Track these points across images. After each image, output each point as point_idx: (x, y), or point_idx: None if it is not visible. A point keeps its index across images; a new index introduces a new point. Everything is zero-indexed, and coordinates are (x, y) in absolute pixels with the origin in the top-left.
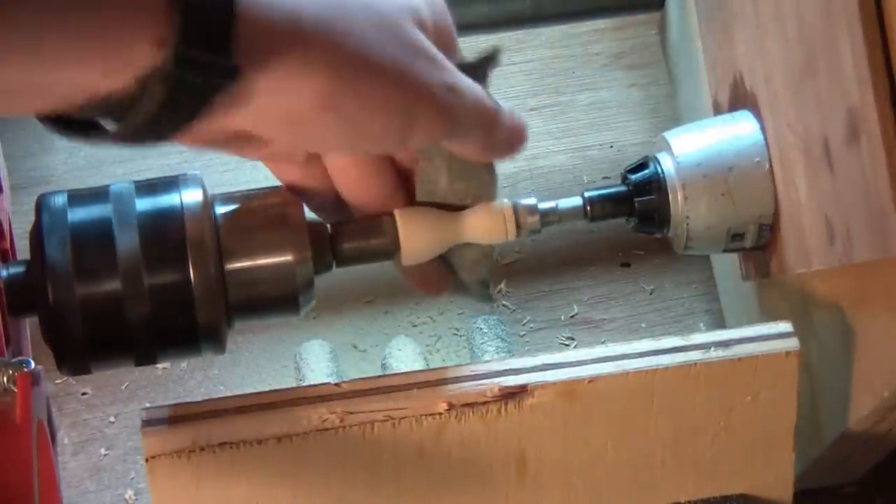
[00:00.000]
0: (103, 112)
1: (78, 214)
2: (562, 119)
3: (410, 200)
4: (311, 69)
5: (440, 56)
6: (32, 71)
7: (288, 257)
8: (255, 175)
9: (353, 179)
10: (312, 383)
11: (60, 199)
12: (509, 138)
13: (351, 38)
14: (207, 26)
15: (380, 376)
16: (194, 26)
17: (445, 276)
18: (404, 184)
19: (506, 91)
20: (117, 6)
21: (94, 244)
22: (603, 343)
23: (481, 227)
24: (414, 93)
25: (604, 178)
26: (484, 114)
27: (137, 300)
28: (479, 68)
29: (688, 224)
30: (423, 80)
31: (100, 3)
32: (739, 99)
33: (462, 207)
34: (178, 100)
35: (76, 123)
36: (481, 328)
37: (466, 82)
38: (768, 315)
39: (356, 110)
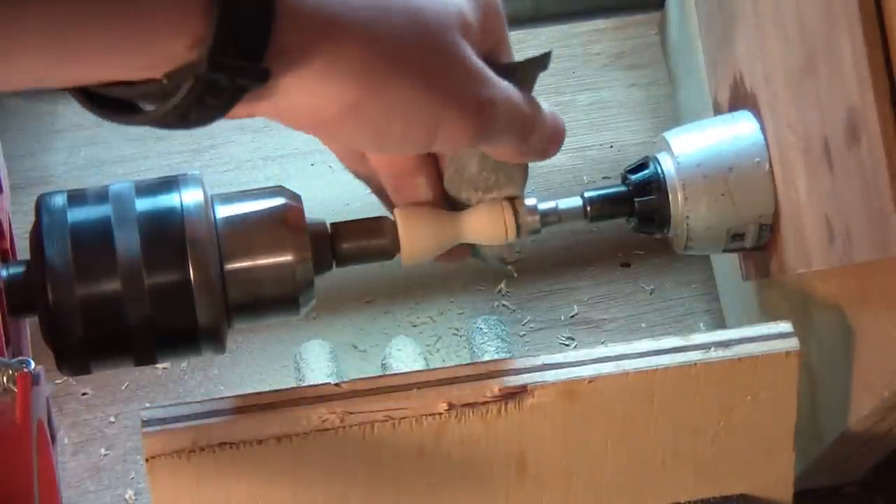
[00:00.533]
0: (132, 96)
1: (78, 215)
2: None
3: (439, 177)
4: (339, 75)
5: (479, 66)
6: (64, 61)
7: (288, 257)
8: (255, 175)
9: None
10: (312, 383)
11: (60, 200)
12: (545, 144)
13: (387, 47)
14: (245, 31)
15: (380, 376)
16: (231, 30)
17: (466, 248)
18: (435, 161)
19: None
20: (154, 4)
21: (93, 244)
22: (603, 343)
23: (481, 227)
24: (441, 105)
25: (604, 178)
26: (518, 124)
27: (137, 300)
28: (526, 71)
29: (688, 224)
30: (454, 94)
31: (134, 2)
32: (739, 99)
33: (485, 197)
34: (206, 98)
35: (105, 100)
36: (481, 328)
37: (502, 93)
38: (768, 315)
39: (380, 118)
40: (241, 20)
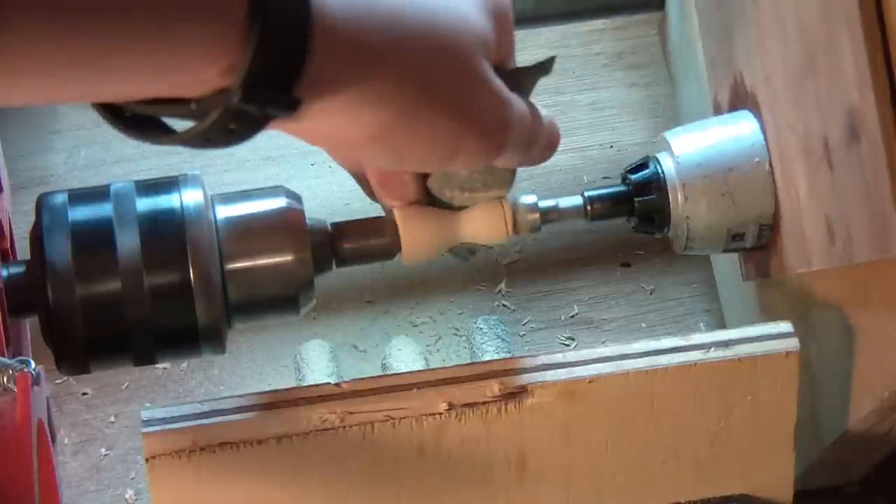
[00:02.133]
0: (158, 114)
1: (78, 214)
2: (562, 119)
3: (425, 176)
4: (368, 105)
5: (499, 87)
6: (94, 81)
7: (288, 257)
8: (255, 175)
9: None
10: (312, 383)
11: (61, 199)
12: (544, 152)
13: (417, 75)
14: (280, 62)
15: (380, 376)
16: (266, 60)
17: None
18: None
19: None
20: (189, 30)
21: (94, 244)
22: (603, 343)
23: (481, 225)
24: (464, 131)
25: (604, 178)
26: (525, 138)
27: (137, 300)
28: (529, 76)
29: (688, 224)
30: (477, 119)
31: (168, 26)
32: (739, 99)
33: (470, 197)
34: (233, 124)
35: (130, 116)
36: (481, 328)
37: (517, 112)
38: (768, 315)
39: (404, 143)
40: (277, 50)
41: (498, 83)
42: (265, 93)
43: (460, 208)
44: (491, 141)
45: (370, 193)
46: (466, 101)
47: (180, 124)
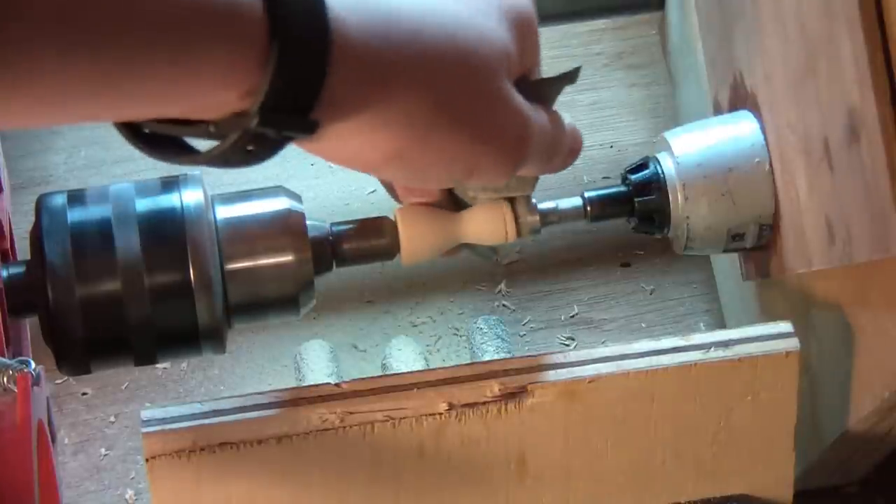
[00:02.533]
0: (178, 134)
1: (78, 215)
2: None
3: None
4: (386, 126)
5: (518, 103)
6: (116, 104)
7: (288, 258)
8: (255, 175)
9: None
10: (312, 383)
11: (60, 200)
12: (566, 159)
13: (434, 96)
14: (299, 85)
15: (380, 376)
16: (285, 84)
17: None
18: None
19: None
20: (209, 54)
21: (94, 244)
22: (603, 343)
23: (481, 227)
24: (483, 149)
25: (604, 178)
26: (546, 149)
27: (137, 300)
28: (554, 86)
29: (688, 224)
30: (495, 137)
31: (188, 51)
32: (739, 99)
33: (494, 196)
34: (251, 145)
35: (149, 135)
36: (481, 328)
37: (536, 126)
38: (768, 315)
39: (423, 161)
40: (296, 73)
41: (518, 99)
42: (283, 116)
43: None
44: (508, 157)
45: (397, 198)
46: (484, 119)
47: (200, 143)
